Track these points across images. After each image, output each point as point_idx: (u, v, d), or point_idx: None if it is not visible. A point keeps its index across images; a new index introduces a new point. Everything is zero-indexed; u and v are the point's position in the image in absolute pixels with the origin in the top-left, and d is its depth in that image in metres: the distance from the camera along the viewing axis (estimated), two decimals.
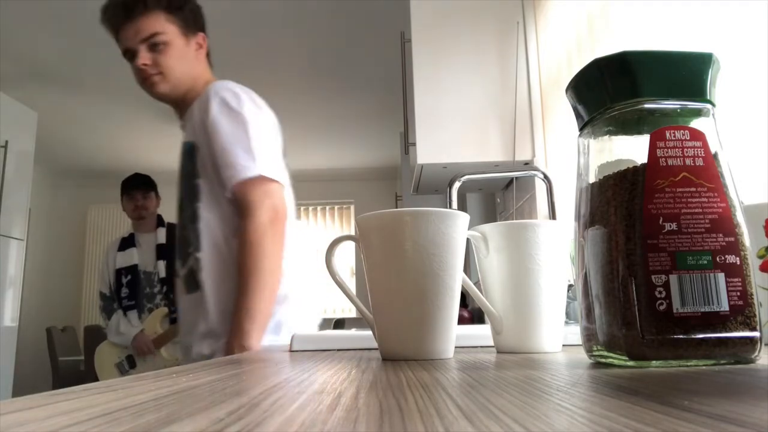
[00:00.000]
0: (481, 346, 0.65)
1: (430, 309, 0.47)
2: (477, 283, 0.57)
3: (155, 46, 1.26)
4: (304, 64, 3.56)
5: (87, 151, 5.19)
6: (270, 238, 1.14)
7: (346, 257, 5.49)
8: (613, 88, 0.38)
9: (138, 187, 2.69)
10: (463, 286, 0.52)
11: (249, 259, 1.12)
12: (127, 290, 2.55)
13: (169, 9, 1.28)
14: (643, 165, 0.35)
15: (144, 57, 1.26)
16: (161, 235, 2.66)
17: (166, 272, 2.56)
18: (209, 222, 1.23)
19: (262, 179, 1.17)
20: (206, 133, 1.21)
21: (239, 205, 1.17)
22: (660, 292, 0.33)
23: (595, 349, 0.37)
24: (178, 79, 1.29)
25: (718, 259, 0.34)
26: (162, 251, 2.62)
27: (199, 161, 1.24)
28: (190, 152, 1.27)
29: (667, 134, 0.36)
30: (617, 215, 0.35)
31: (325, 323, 5.45)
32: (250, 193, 1.15)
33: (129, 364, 2.54)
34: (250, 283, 1.11)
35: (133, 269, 2.58)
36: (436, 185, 1.94)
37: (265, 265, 1.13)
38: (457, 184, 1.30)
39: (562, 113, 1.54)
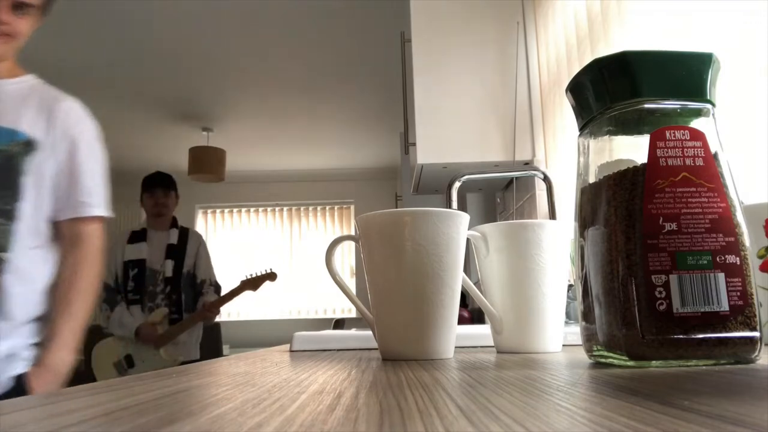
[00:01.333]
0: (481, 346, 0.65)
1: (430, 309, 0.47)
2: (477, 283, 0.57)
3: (20, 8, 1.20)
4: (303, 63, 3.56)
5: None
6: (98, 268, 1.28)
7: (346, 257, 5.49)
8: (613, 88, 0.38)
9: (159, 184, 2.72)
10: (463, 286, 0.52)
11: (85, 282, 1.24)
12: (133, 284, 2.56)
13: None
14: (643, 165, 0.35)
15: (6, 14, 1.18)
16: (173, 236, 2.68)
17: (172, 272, 2.57)
18: (27, 228, 1.19)
19: (103, 218, 1.30)
20: (72, 151, 1.24)
21: (76, 231, 1.25)
22: (660, 292, 0.33)
23: (595, 349, 0.37)
24: (14, 51, 1.26)
25: (718, 259, 0.34)
26: (171, 251, 2.63)
27: (34, 161, 1.20)
28: (26, 145, 1.20)
29: (667, 134, 0.36)
30: (617, 215, 0.35)
31: (325, 323, 5.43)
32: (93, 225, 1.28)
33: (128, 364, 2.54)
34: (82, 302, 1.23)
35: (141, 263, 2.58)
36: (436, 185, 1.94)
37: (94, 289, 1.26)
38: (457, 184, 1.29)
39: (562, 113, 1.54)
